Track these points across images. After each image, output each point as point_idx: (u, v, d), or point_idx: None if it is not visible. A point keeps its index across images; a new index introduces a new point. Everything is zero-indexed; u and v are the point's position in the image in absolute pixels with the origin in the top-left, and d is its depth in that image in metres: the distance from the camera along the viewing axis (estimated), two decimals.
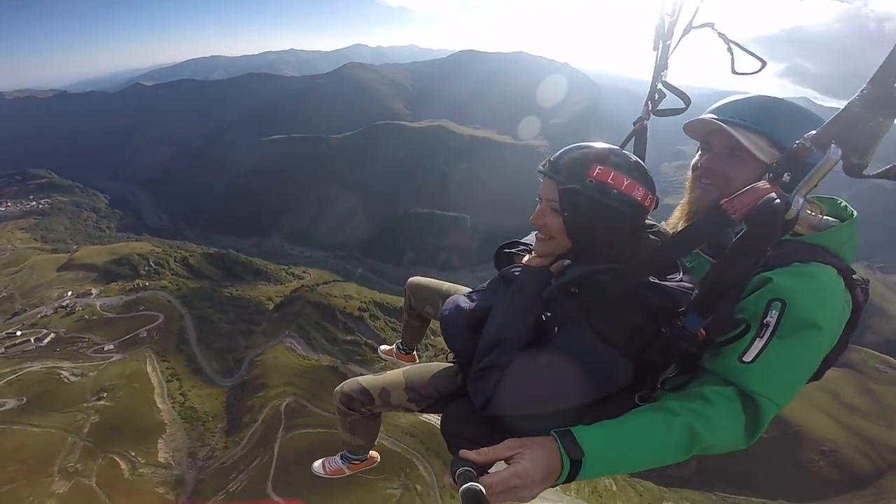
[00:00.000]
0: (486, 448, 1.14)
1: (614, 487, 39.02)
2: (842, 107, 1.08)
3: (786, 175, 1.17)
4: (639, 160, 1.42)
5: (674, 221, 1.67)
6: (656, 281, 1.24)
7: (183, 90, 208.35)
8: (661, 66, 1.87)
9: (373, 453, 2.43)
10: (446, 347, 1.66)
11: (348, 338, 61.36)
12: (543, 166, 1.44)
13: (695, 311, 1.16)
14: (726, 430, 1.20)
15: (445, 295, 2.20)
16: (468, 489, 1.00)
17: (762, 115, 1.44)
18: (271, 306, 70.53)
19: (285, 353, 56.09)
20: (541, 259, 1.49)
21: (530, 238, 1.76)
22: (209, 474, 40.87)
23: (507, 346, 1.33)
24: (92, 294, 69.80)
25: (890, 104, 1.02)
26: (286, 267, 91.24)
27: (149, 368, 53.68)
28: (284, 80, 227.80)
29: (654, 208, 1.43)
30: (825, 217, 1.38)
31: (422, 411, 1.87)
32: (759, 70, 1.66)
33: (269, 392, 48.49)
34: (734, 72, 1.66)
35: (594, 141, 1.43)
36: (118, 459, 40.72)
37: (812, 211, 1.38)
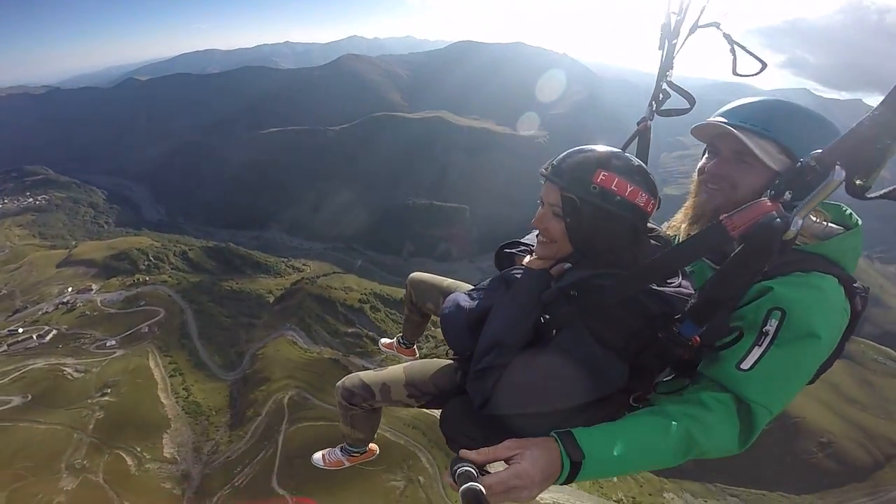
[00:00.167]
0: (486, 448, 1.15)
1: (615, 478, 39.33)
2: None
3: (787, 193, 1.14)
4: (641, 164, 1.42)
5: (676, 224, 1.66)
6: (655, 288, 1.26)
7: (178, 84, 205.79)
8: (666, 66, 1.84)
9: (372, 446, 2.46)
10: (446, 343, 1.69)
11: (349, 330, 61.70)
12: (546, 170, 1.44)
13: (691, 319, 1.18)
14: (722, 436, 1.22)
15: (446, 292, 2.21)
16: (468, 489, 1.02)
17: (773, 120, 1.40)
18: (272, 299, 70.76)
19: (287, 346, 56.22)
20: (541, 261, 1.50)
21: (531, 238, 1.77)
22: (214, 469, 41.04)
23: (505, 348, 1.35)
24: (92, 290, 69.98)
25: None
26: (286, 259, 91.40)
27: (151, 363, 53.98)
28: (280, 72, 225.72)
29: (657, 209, 1.43)
30: (830, 225, 1.37)
31: (422, 407, 1.89)
32: (760, 72, 1.65)
33: (271, 385, 48.60)
34: (735, 73, 1.65)
35: (595, 139, 1.43)
36: (124, 455, 41.00)
37: (816, 219, 1.36)
